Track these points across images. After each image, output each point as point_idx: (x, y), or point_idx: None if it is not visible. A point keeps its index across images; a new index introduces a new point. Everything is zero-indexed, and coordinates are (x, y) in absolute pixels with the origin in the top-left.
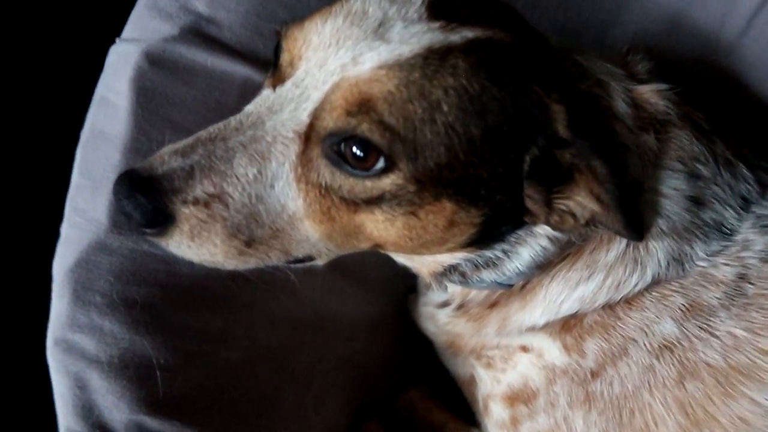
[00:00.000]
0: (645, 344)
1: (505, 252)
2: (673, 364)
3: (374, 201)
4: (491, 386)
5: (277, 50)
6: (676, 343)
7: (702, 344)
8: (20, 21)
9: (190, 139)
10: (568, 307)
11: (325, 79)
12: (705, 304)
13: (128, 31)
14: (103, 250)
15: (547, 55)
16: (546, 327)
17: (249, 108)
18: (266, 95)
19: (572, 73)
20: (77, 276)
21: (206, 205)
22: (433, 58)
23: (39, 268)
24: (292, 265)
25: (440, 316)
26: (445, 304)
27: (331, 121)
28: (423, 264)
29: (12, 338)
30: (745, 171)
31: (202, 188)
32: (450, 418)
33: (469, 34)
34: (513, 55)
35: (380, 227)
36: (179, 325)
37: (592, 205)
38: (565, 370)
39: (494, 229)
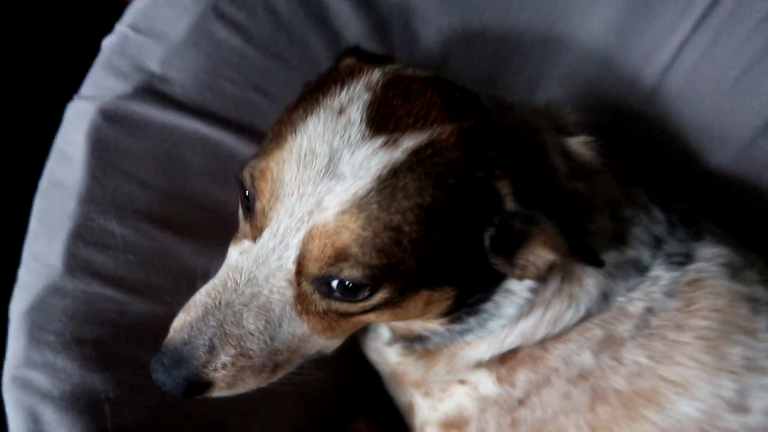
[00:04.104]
0: (565, 374)
1: (481, 319)
2: (586, 391)
3: (366, 311)
4: (428, 413)
5: (245, 194)
6: (590, 372)
7: (611, 372)
8: None
9: (199, 310)
10: (511, 342)
11: (298, 226)
12: (618, 336)
13: (85, 88)
14: (57, 292)
15: (484, 126)
16: (489, 361)
17: (236, 260)
18: (248, 247)
19: (509, 133)
20: (33, 317)
21: (233, 364)
22: (384, 188)
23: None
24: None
25: (389, 354)
26: (393, 342)
27: (315, 269)
28: (400, 325)
29: None
30: (658, 213)
31: (225, 354)
32: None
33: (409, 144)
34: (454, 148)
35: (373, 319)
36: (128, 361)
37: (550, 256)
38: (497, 399)
39: (474, 295)
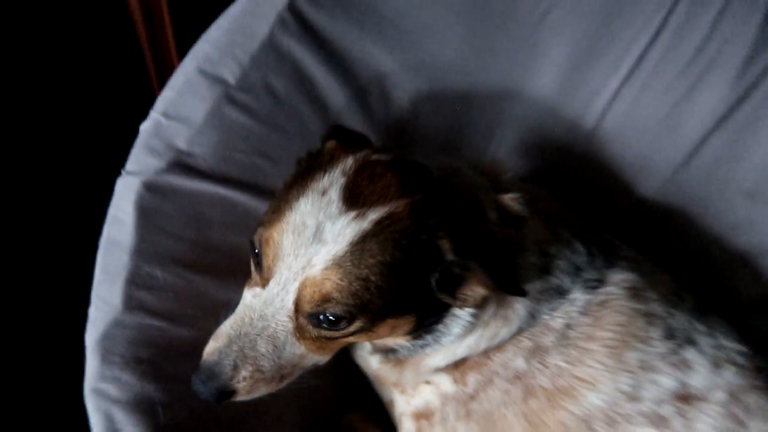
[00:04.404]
0: (504, 376)
1: (435, 337)
2: (520, 388)
3: (347, 335)
4: (404, 407)
5: (255, 254)
6: (523, 373)
7: (539, 373)
8: (50, 163)
9: (225, 339)
10: (460, 353)
11: (295, 277)
12: (543, 346)
13: (130, 165)
14: (118, 325)
15: (430, 197)
16: (445, 367)
17: (250, 301)
18: (259, 292)
19: (452, 199)
20: (103, 344)
21: (251, 376)
22: (356, 250)
23: (76, 340)
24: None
25: (372, 362)
26: (374, 352)
27: (308, 308)
28: (377, 342)
29: (60, 389)
30: (580, 247)
31: (245, 370)
32: (381, 431)
33: (374, 216)
34: (406, 218)
35: (353, 340)
36: (173, 374)
37: (483, 291)
38: (454, 395)
39: (428, 320)
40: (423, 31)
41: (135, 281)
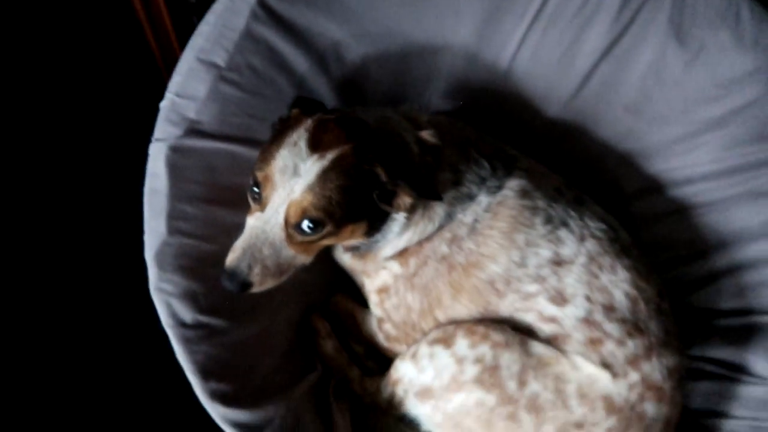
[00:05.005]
0: (433, 258)
1: (382, 234)
2: (445, 266)
3: (323, 237)
4: (370, 286)
5: (254, 189)
6: (447, 255)
7: (457, 254)
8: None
9: (240, 250)
10: (401, 245)
11: (283, 202)
12: (459, 236)
13: (157, 133)
14: (166, 245)
15: (367, 141)
16: (393, 256)
17: (254, 223)
18: (259, 215)
19: (383, 139)
20: (157, 258)
21: (261, 273)
22: (321, 179)
23: (138, 257)
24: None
25: (345, 258)
26: (345, 251)
27: (293, 221)
28: (344, 243)
29: (135, 289)
30: (484, 163)
31: (256, 269)
32: (358, 306)
33: (330, 155)
34: (352, 156)
35: (326, 243)
36: (206, 275)
37: (409, 199)
38: (401, 274)
39: (376, 224)
40: (365, 6)
41: (173, 215)
